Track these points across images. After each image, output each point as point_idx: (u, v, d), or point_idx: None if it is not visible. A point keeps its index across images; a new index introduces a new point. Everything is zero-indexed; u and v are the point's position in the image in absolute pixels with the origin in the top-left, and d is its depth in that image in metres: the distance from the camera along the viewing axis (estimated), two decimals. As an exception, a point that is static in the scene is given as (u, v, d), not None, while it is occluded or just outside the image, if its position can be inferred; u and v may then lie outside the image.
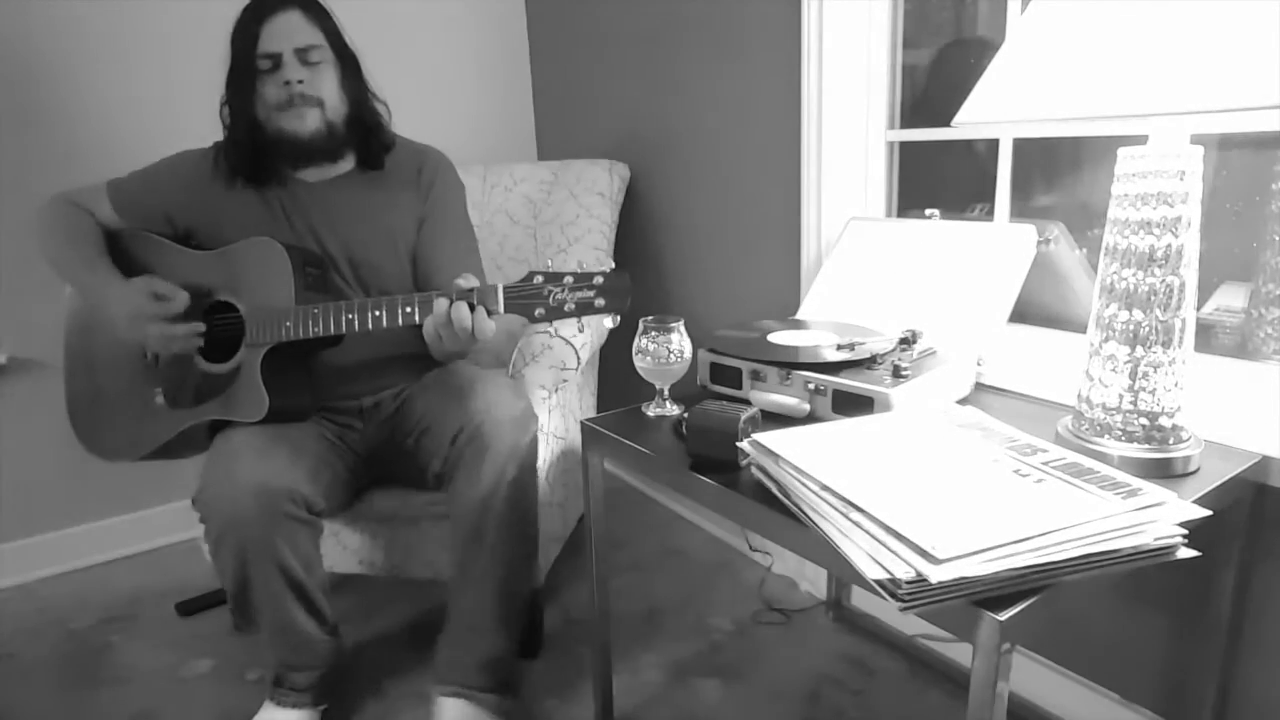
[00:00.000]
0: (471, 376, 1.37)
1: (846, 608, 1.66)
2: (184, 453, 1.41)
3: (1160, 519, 0.75)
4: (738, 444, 0.98)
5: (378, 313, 1.20)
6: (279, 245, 1.29)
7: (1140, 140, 0.91)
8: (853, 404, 1.08)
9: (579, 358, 1.56)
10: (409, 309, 1.19)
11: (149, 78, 1.89)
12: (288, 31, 1.31)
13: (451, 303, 1.12)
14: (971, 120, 0.94)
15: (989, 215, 1.41)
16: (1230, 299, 1.17)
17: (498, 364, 1.60)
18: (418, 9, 2.22)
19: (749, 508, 0.94)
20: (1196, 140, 0.89)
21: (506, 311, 1.12)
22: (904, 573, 0.70)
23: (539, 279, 1.09)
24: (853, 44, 1.50)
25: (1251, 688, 1.11)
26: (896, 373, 1.09)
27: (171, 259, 1.40)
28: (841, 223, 1.53)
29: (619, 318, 1.09)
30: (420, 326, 1.18)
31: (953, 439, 0.93)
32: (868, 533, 0.76)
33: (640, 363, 1.18)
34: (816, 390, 1.12)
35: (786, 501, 0.89)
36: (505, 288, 1.11)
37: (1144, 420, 0.94)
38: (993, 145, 1.38)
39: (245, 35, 1.31)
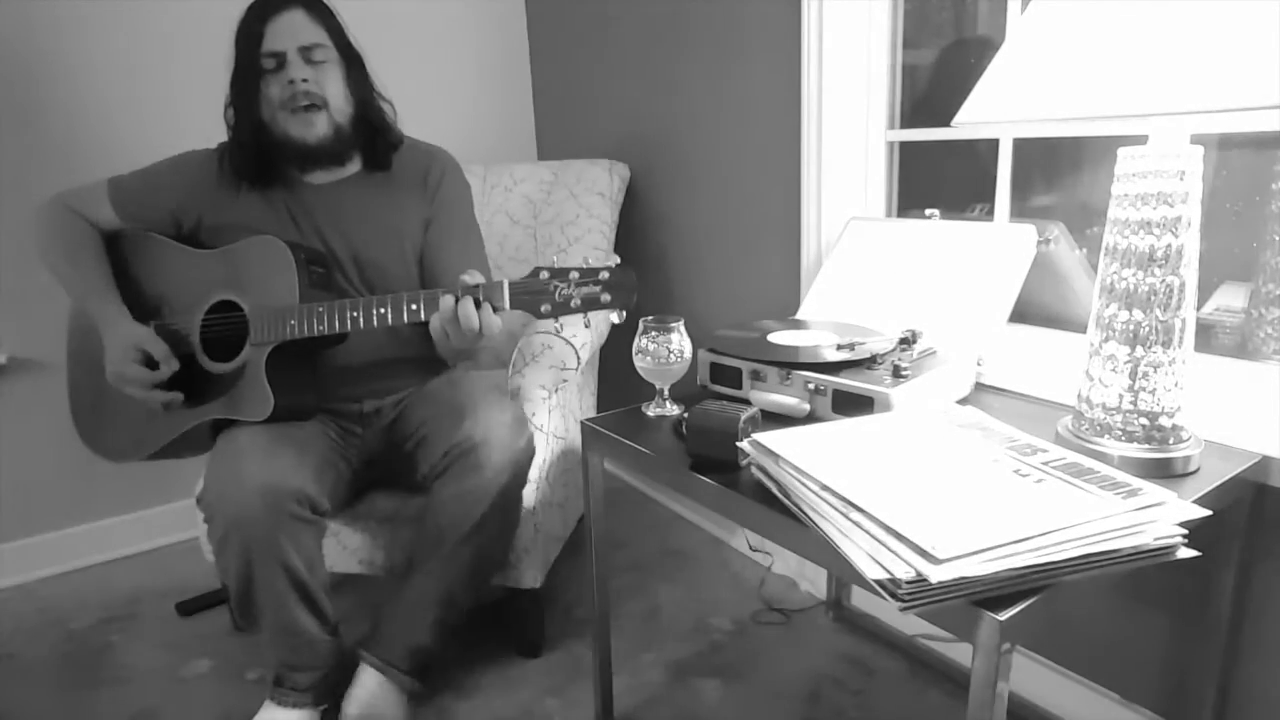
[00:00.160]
0: (473, 394, 1.37)
1: (846, 608, 1.66)
2: (187, 452, 1.41)
3: (1160, 519, 0.75)
4: (738, 444, 0.98)
5: (383, 310, 1.20)
6: (283, 244, 1.29)
7: (1140, 140, 0.91)
8: (853, 404, 1.08)
9: (579, 358, 1.56)
10: (414, 306, 1.18)
11: (149, 78, 1.89)
12: (292, 30, 1.31)
13: (458, 299, 1.12)
14: (971, 120, 0.94)
15: (989, 215, 1.41)
16: (1230, 299, 1.17)
17: (498, 364, 1.60)
18: (418, 9, 2.22)
19: (749, 508, 0.94)
20: (1196, 140, 0.89)
21: (512, 307, 1.12)
22: (904, 573, 0.70)
23: (545, 275, 1.09)
24: (853, 44, 1.50)
25: (1251, 688, 1.11)
26: (896, 373, 1.09)
27: (174, 258, 1.40)
28: (841, 223, 1.53)
29: (625, 313, 1.09)
30: (424, 325, 1.18)
31: (953, 439, 0.93)
32: (868, 533, 0.76)
33: (640, 363, 1.18)
34: (816, 390, 1.12)
35: (786, 501, 0.89)
36: (511, 283, 1.11)
37: (1144, 420, 0.94)
38: (994, 145, 1.38)
39: (249, 35, 1.31)
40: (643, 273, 2.14)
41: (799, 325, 1.33)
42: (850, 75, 1.51)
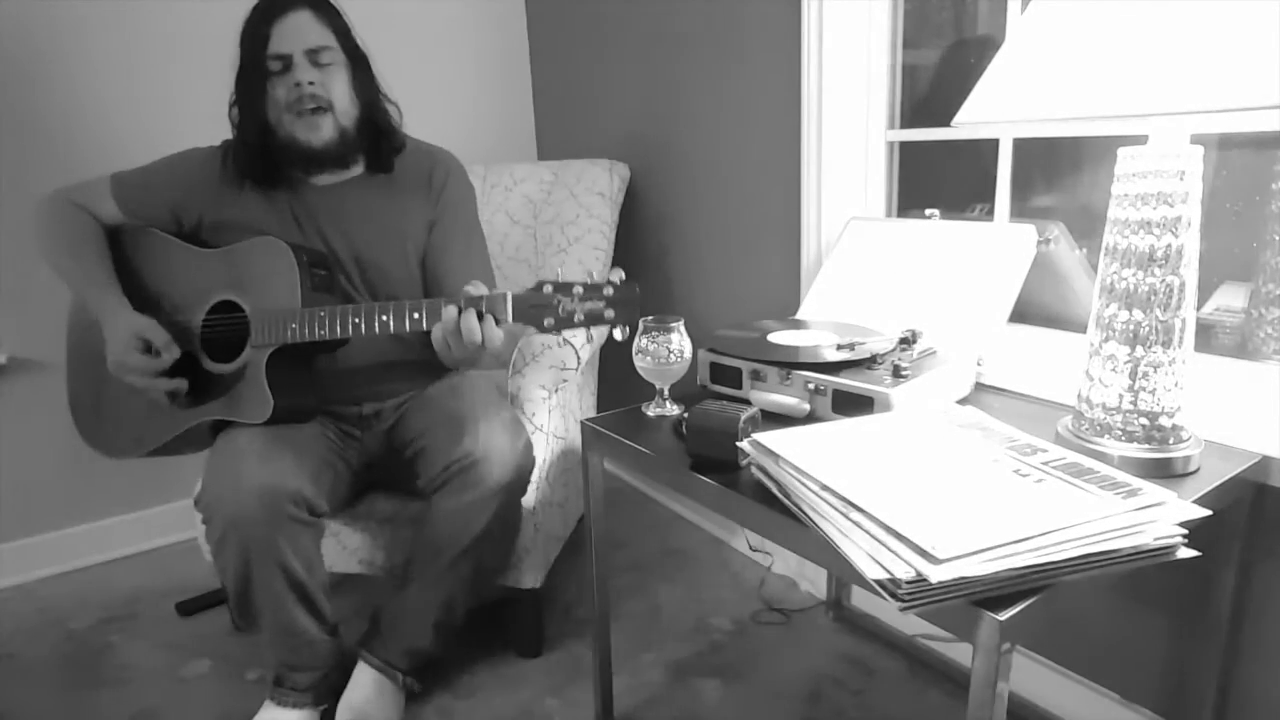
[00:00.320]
0: (474, 405, 1.36)
1: (846, 608, 1.66)
2: (187, 449, 1.41)
3: (1160, 519, 0.75)
4: (738, 444, 0.98)
5: (385, 317, 1.20)
6: (285, 245, 1.28)
7: (1140, 140, 0.92)
8: (853, 404, 1.08)
9: (579, 358, 1.56)
10: (416, 315, 1.18)
11: (149, 78, 1.89)
12: (298, 32, 1.30)
13: (460, 311, 1.12)
14: (971, 120, 0.94)
15: (989, 215, 1.41)
16: (1230, 299, 1.17)
17: (498, 364, 1.59)
18: (418, 9, 2.22)
19: (749, 508, 0.94)
20: (1196, 140, 0.89)
21: (515, 320, 1.11)
22: (904, 573, 0.70)
23: (548, 288, 1.08)
24: (853, 44, 1.50)
25: (1251, 688, 1.11)
26: (896, 373, 1.09)
27: (176, 256, 1.39)
28: (841, 223, 1.53)
29: (629, 329, 1.08)
30: (427, 333, 1.18)
31: (953, 439, 0.93)
32: (868, 533, 0.76)
33: (640, 363, 1.18)
34: (816, 390, 1.12)
35: (786, 501, 0.89)
36: (514, 296, 1.10)
37: (1144, 420, 0.94)
38: (994, 145, 1.38)
39: (255, 36, 1.30)
40: (643, 272, 2.14)
41: (799, 325, 1.33)
42: (850, 75, 1.51)
